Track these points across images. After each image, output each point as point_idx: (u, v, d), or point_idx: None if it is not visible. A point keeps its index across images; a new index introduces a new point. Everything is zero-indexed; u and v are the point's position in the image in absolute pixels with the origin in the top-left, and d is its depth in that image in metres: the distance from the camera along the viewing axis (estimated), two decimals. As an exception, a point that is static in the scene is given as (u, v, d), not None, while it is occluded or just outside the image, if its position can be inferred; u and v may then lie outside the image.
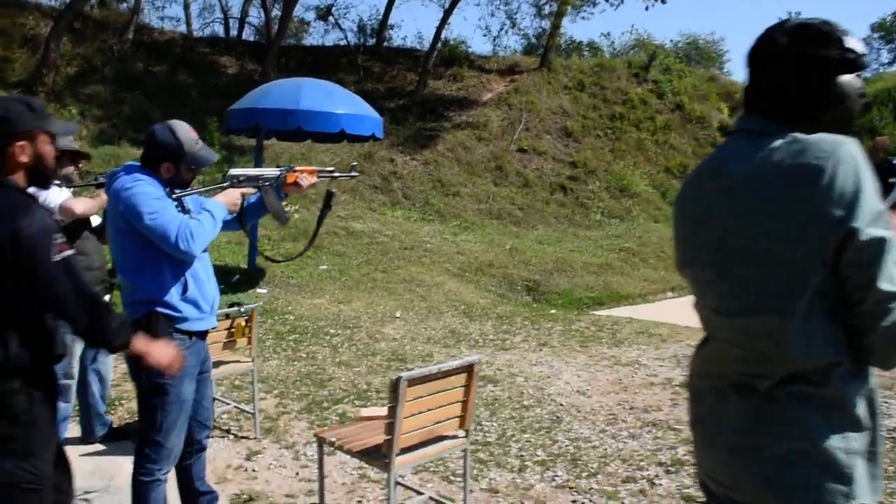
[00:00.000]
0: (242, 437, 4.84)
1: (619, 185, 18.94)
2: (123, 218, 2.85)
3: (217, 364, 4.54)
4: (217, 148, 13.41)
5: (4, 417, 2.14)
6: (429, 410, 3.06)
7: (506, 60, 23.57)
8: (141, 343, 2.45)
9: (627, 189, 18.90)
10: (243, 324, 4.71)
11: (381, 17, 23.61)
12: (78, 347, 4.42)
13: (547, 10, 22.86)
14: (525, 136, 19.41)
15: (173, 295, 2.88)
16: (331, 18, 24.53)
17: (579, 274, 12.53)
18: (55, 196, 4.08)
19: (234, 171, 3.18)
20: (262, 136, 10.12)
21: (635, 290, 12.48)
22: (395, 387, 2.87)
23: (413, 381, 2.92)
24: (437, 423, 3.13)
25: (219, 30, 25.43)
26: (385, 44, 23.38)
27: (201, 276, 2.97)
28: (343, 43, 23.82)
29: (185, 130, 3.02)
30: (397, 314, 9.01)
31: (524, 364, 6.90)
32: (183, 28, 22.90)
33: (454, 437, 3.28)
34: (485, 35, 52.21)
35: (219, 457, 4.45)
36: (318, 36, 39.86)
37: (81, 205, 4.12)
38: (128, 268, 2.93)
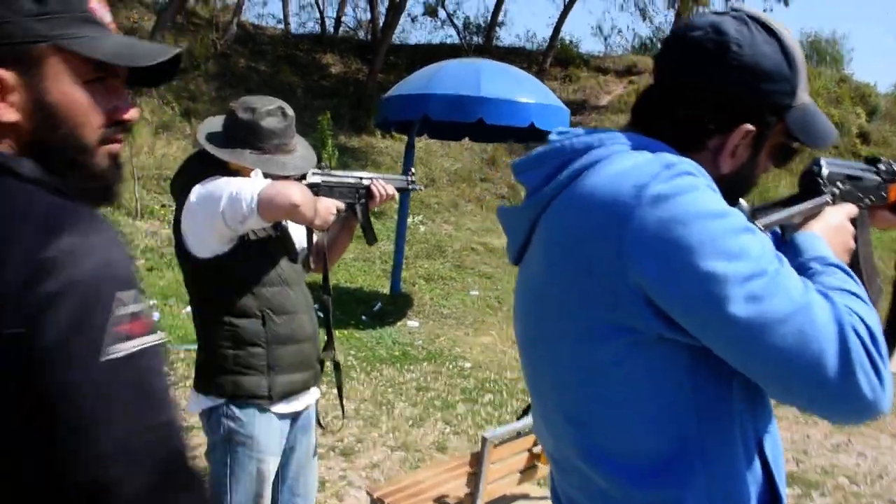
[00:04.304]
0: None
1: (760, 196, 16.97)
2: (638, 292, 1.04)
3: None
4: (329, 150, 11.92)
5: None
6: None
7: (622, 60, 21.80)
8: None
9: (769, 200, 16.96)
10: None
11: (489, 13, 22.15)
12: (271, 469, 2.35)
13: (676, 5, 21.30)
14: (654, 141, 17.60)
15: None
16: (442, 13, 23.16)
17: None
18: (245, 182, 2.14)
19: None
20: (415, 130, 8.47)
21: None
22: None
23: None
24: None
25: (316, 28, 24.10)
26: (494, 42, 21.80)
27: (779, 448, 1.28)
28: (450, 41, 22.39)
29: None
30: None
31: (817, 447, 5.12)
32: (281, 26, 21.55)
33: None
34: (594, 35, 50.50)
35: None
36: (423, 33, 38.44)
37: (303, 195, 2.11)
38: (625, 438, 1.13)
